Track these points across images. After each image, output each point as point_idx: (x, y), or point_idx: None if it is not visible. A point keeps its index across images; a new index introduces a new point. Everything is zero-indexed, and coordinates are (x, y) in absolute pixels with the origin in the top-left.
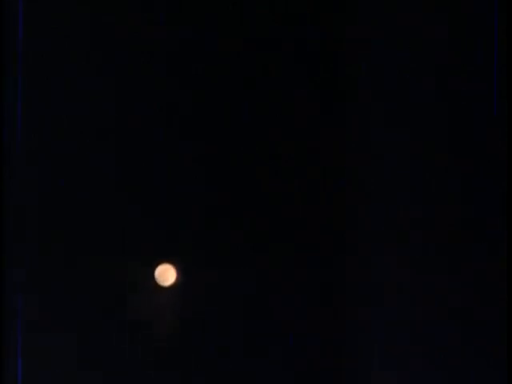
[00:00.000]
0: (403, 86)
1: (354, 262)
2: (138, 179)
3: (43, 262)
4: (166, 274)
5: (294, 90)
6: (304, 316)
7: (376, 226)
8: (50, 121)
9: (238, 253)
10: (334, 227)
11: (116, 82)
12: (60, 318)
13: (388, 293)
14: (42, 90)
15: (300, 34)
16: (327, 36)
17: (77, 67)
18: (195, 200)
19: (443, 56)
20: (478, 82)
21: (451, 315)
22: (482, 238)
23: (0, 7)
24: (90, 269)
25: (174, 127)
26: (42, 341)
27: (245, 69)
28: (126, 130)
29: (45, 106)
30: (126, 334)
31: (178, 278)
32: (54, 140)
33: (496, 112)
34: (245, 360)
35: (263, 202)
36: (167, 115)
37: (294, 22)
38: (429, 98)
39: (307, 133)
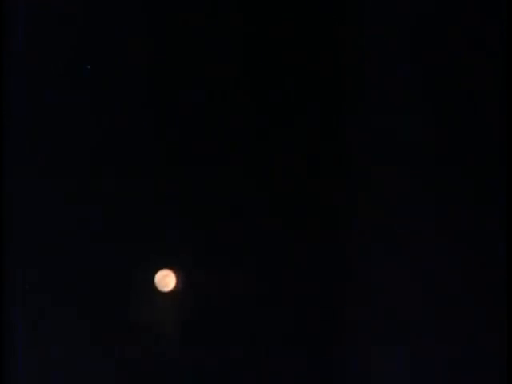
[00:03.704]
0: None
1: (354, 259)
2: (138, 183)
3: (43, 262)
4: (166, 280)
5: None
6: (306, 318)
7: (375, 223)
8: (50, 123)
9: (238, 257)
10: (335, 226)
11: (115, 81)
12: (59, 320)
13: (387, 292)
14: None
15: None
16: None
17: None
18: (195, 205)
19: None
20: (486, 80)
21: (451, 314)
22: (482, 236)
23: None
24: (89, 273)
25: (172, 128)
26: (41, 344)
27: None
28: (125, 130)
29: (44, 106)
30: (127, 338)
31: (177, 284)
32: (55, 141)
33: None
34: (246, 365)
35: (263, 205)
36: (167, 117)
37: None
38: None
39: (307, 136)
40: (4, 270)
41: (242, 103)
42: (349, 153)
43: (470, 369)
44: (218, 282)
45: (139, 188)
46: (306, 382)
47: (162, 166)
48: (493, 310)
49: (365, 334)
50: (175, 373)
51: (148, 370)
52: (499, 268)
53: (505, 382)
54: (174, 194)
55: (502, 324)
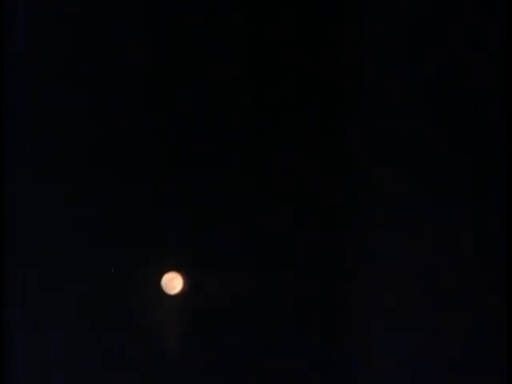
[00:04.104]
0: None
1: (354, 259)
2: (138, 183)
3: (43, 262)
4: (173, 283)
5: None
6: (306, 318)
7: (375, 223)
8: (50, 123)
9: (238, 257)
10: (335, 226)
11: (115, 81)
12: (59, 320)
13: (387, 292)
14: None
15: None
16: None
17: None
18: (195, 205)
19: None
20: (485, 81)
21: (451, 314)
22: (482, 236)
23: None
24: (89, 273)
25: (172, 128)
26: (41, 347)
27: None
28: (125, 130)
29: (44, 106)
30: (127, 338)
31: (184, 286)
32: (55, 141)
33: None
34: (246, 365)
35: (263, 205)
36: (167, 117)
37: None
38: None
39: (306, 135)
40: (4, 269)
41: (241, 103)
42: (349, 153)
43: (470, 369)
44: (218, 281)
45: (139, 188)
46: (306, 381)
47: (162, 166)
48: (493, 310)
49: (365, 333)
50: (175, 373)
51: (148, 370)
52: (499, 268)
53: (505, 382)
54: (174, 194)
55: (502, 324)
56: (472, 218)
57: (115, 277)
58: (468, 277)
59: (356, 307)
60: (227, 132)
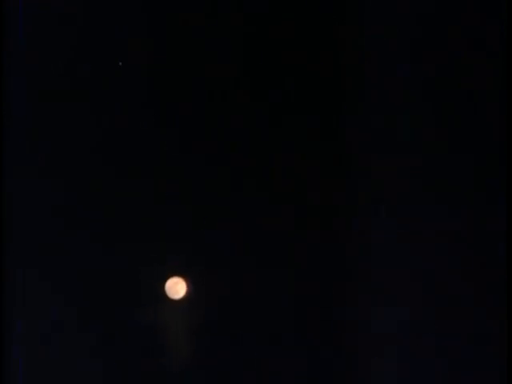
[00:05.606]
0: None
1: (354, 259)
2: (138, 183)
3: (43, 262)
4: (177, 287)
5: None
6: (306, 318)
7: (375, 223)
8: (50, 123)
9: (238, 257)
10: (335, 226)
11: (115, 81)
12: (59, 320)
13: (388, 292)
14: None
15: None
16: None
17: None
18: (195, 205)
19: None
20: (485, 80)
21: (451, 313)
22: (482, 236)
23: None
24: (89, 273)
25: (172, 128)
26: (42, 352)
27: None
28: (125, 130)
29: (44, 107)
30: (127, 338)
31: (188, 291)
32: (55, 142)
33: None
34: (246, 365)
35: (263, 205)
36: (167, 117)
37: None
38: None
39: (305, 135)
40: (4, 270)
41: (241, 103)
42: (349, 153)
43: (470, 369)
44: (217, 281)
45: (139, 188)
46: (306, 382)
47: (162, 166)
48: (493, 310)
49: (365, 333)
50: (175, 373)
51: (147, 370)
52: (499, 268)
53: (505, 382)
54: (173, 194)
55: (502, 324)
56: (472, 218)
57: (115, 277)
58: (468, 277)
59: (356, 307)
60: (227, 132)
